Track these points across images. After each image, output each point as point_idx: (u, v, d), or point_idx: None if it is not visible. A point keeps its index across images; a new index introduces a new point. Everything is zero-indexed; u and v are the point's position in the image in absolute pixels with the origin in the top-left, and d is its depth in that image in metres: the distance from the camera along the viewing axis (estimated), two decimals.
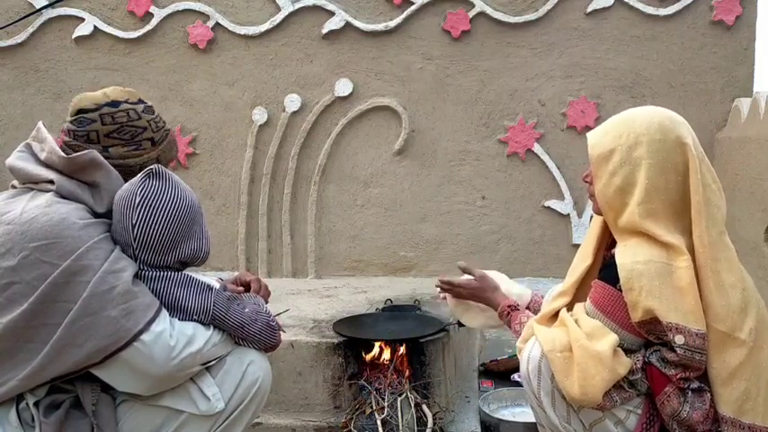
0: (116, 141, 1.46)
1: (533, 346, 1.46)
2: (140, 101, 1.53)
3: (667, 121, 1.39)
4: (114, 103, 1.47)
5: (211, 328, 1.44)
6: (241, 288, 1.64)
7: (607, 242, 1.54)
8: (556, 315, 1.50)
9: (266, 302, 1.65)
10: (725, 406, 1.34)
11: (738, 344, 1.32)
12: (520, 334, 1.61)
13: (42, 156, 1.42)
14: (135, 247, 1.38)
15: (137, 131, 1.49)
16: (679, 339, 1.30)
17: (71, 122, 1.46)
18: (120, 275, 1.32)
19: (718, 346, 1.33)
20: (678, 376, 1.34)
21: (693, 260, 1.33)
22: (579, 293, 1.52)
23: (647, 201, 1.36)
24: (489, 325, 1.93)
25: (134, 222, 1.37)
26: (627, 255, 1.35)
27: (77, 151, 1.41)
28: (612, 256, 1.40)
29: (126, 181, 1.43)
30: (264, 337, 1.52)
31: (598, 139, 1.44)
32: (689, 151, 1.35)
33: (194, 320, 1.41)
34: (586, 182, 1.51)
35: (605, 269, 1.46)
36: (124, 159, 1.47)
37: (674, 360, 1.33)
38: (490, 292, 1.82)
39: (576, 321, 1.41)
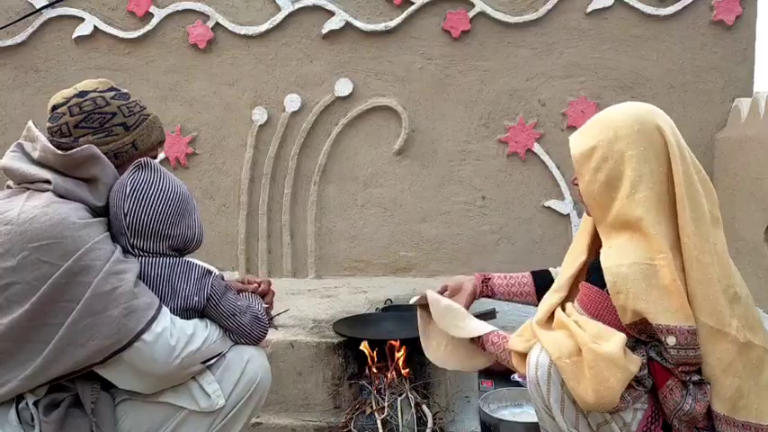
0: (85, 131, 1.44)
1: (540, 352, 1.41)
2: (112, 88, 1.51)
3: (643, 111, 1.41)
4: (82, 94, 1.47)
5: (209, 325, 1.45)
6: (253, 286, 1.64)
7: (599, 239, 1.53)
8: (553, 313, 1.49)
9: (271, 302, 1.67)
10: (719, 404, 1.33)
11: (729, 339, 1.31)
12: (495, 345, 1.57)
13: (35, 155, 1.41)
14: (129, 235, 1.42)
15: (105, 118, 1.46)
16: (671, 341, 1.30)
17: (48, 120, 1.47)
18: (123, 276, 1.32)
19: (710, 342, 1.32)
20: (680, 369, 1.33)
21: (680, 252, 1.33)
22: (575, 290, 1.51)
23: (635, 192, 1.36)
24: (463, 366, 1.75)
25: (125, 211, 1.41)
26: (611, 258, 1.35)
27: (64, 148, 1.39)
28: (598, 258, 1.39)
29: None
30: (252, 330, 1.53)
31: (578, 138, 1.46)
32: (666, 138, 1.36)
33: (192, 301, 1.42)
34: (575, 184, 1.52)
35: (591, 272, 1.45)
36: None
37: (671, 360, 1.32)
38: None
39: (577, 323, 1.39)
